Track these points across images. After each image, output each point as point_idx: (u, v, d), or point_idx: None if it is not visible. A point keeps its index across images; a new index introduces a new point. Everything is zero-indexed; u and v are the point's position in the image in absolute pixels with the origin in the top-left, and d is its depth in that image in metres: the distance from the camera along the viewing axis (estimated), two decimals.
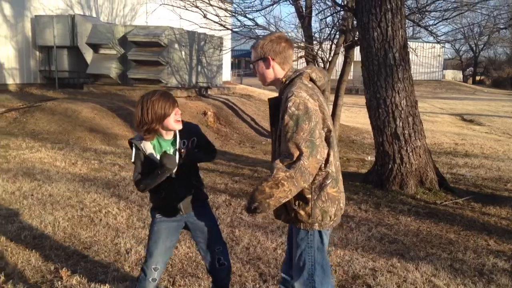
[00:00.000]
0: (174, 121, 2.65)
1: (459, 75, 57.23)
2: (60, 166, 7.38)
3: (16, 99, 13.23)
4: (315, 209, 2.32)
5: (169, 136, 2.73)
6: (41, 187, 6.06)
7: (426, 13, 11.39)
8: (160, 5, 11.53)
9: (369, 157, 9.67)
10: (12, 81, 15.38)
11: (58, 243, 4.29)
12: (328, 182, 2.31)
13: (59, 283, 3.48)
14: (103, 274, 3.68)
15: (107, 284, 3.50)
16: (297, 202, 2.33)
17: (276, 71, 2.44)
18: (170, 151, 2.72)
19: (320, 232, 2.38)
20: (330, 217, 2.35)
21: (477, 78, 58.22)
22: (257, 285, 3.61)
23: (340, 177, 2.43)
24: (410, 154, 6.60)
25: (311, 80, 2.43)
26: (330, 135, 2.33)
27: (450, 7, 11.00)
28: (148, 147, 2.70)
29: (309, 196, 2.31)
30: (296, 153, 2.18)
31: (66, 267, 3.77)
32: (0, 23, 14.79)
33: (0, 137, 9.35)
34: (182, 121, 2.72)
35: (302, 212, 2.33)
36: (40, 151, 8.29)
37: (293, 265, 2.49)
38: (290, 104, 2.21)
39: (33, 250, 4.08)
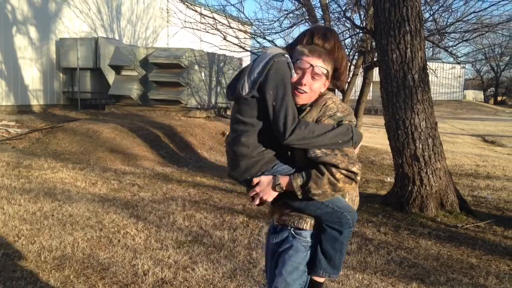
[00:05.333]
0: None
1: (480, 95, 56.46)
2: (80, 186, 7.48)
3: (39, 119, 13.52)
4: None
5: None
6: (62, 208, 6.14)
7: (446, 34, 11.35)
8: (181, 28, 11.73)
9: (388, 179, 9.57)
10: (36, 102, 15.74)
11: (77, 264, 4.32)
12: None
13: None
14: None
15: None
16: None
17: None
18: None
19: None
20: None
21: (499, 98, 57.32)
22: None
23: None
24: (430, 176, 6.52)
25: None
26: None
27: (470, 28, 10.95)
28: None
29: None
30: None
31: None
32: (25, 46, 15.20)
33: (23, 157, 9.53)
34: None
35: None
36: (61, 171, 8.42)
37: None
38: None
39: (53, 271, 4.13)
